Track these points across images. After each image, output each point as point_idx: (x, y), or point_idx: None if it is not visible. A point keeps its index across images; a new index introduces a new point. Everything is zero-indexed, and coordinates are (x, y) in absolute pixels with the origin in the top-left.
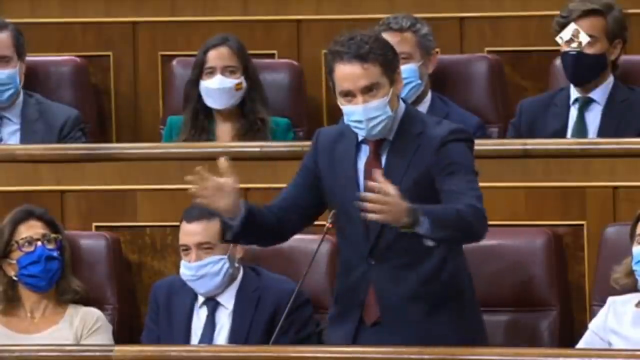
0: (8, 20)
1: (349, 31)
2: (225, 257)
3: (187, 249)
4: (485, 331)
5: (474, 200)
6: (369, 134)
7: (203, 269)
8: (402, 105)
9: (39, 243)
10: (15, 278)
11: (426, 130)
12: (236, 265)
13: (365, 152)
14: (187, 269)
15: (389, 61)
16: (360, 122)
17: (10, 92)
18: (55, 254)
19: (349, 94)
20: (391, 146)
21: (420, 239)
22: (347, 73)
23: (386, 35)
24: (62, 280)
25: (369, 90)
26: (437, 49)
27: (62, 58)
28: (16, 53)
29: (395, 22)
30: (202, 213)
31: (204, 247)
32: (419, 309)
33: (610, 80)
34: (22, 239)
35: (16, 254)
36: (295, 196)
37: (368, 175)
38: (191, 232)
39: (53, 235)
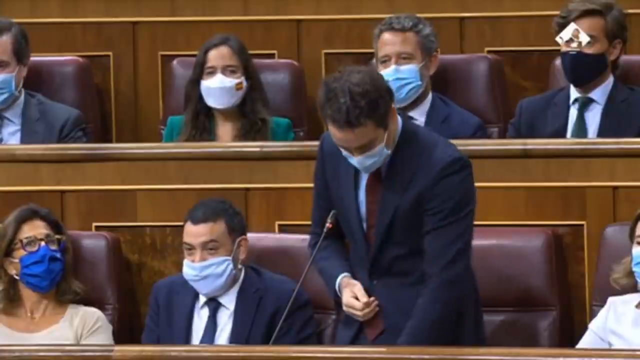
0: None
1: (344, 69)
2: (230, 258)
3: (191, 248)
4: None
5: (444, 267)
6: (366, 171)
7: (207, 269)
8: (400, 123)
9: (43, 243)
10: (16, 277)
11: (423, 155)
12: (239, 266)
13: None
14: (190, 269)
15: (381, 113)
16: (356, 165)
17: (4, 96)
18: (58, 254)
19: (345, 149)
20: (390, 161)
21: (421, 259)
22: (340, 137)
23: (388, 35)
24: (63, 281)
25: (363, 147)
26: (438, 50)
27: (65, 58)
28: (15, 57)
29: (398, 22)
30: (208, 214)
31: (209, 248)
32: None
33: (610, 80)
34: (25, 238)
35: (19, 253)
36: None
37: (370, 194)
38: (197, 233)
39: (57, 236)
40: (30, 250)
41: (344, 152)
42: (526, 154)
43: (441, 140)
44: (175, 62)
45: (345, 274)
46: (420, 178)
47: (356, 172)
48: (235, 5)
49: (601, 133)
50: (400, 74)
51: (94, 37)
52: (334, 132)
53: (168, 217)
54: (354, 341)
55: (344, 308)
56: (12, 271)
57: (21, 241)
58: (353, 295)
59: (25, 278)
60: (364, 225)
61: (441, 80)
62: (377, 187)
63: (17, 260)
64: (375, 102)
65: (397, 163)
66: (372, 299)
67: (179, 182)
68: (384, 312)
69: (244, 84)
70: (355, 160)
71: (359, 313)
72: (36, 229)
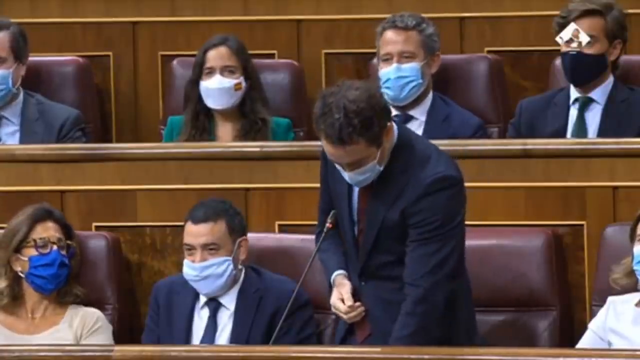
0: (13, 20)
1: (341, 83)
2: (230, 258)
3: (191, 248)
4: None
5: (421, 277)
6: (358, 186)
7: (207, 270)
8: (395, 133)
9: (55, 247)
10: (21, 274)
11: (414, 170)
12: (239, 267)
13: None
14: (191, 269)
15: (374, 132)
16: (348, 179)
17: (1, 92)
18: (66, 260)
19: (337, 164)
20: (382, 172)
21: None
22: (332, 152)
23: (391, 33)
24: (66, 285)
25: (354, 164)
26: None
27: (65, 58)
28: (13, 55)
29: (401, 20)
30: (209, 214)
31: (210, 248)
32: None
33: (610, 80)
34: (40, 239)
35: (29, 252)
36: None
37: (361, 200)
38: (198, 233)
39: (68, 242)
40: (42, 252)
41: (337, 166)
42: (526, 154)
43: (434, 155)
44: (175, 62)
45: (340, 271)
46: (407, 193)
47: None
48: (235, 5)
49: (601, 133)
50: (401, 72)
51: (94, 37)
52: (326, 147)
53: (168, 217)
54: (343, 341)
55: (332, 309)
56: (18, 268)
57: (35, 241)
58: (340, 297)
59: (31, 278)
60: (355, 228)
61: (441, 80)
62: (368, 195)
63: (25, 259)
64: (369, 121)
65: (388, 174)
66: (357, 303)
67: (179, 182)
68: (370, 316)
69: (243, 84)
70: (346, 175)
71: (343, 316)
72: (49, 231)
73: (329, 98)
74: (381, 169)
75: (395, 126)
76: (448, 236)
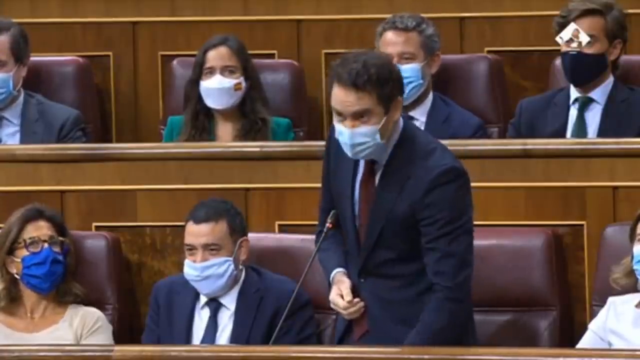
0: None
1: (359, 54)
2: (231, 259)
3: (192, 248)
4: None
5: (448, 278)
6: (354, 156)
7: (208, 270)
8: (401, 126)
9: (46, 245)
10: (17, 276)
11: (418, 162)
12: (240, 267)
13: (362, 165)
14: (191, 269)
15: (386, 92)
16: (346, 144)
17: (2, 95)
18: (60, 257)
19: (340, 114)
20: (386, 164)
21: (410, 264)
22: (341, 97)
23: (391, 34)
24: (64, 283)
25: (359, 116)
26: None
27: (65, 58)
28: (13, 57)
29: (401, 21)
30: (210, 214)
31: (211, 249)
32: (406, 330)
33: (610, 80)
34: (29, 238)
35: (21, 252)
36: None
37: (363, 193)
38: (199, 233)
39: (60, 239)
40: (33, 251)
41: (337, 128)
42: (526, 154)
43: (439, 148)
44: (175, 62)
45: (340, 269)
46: (413, 186)
47: (355, 169)
48: (235, 5)
49: (601, 133)
50: (402, 73)
51: (94, 37)
52: (336, 92)
53: (168, 217)
54: (342, 338)
55: (331, 305)
56: (13, 270)
57: (25, 241)
58: (339, 293)
59: (26, 278)
60: (357, 223)
61: (441, 80)
62: (370, 187)
63: (19, 260)
64: (384, 80)
65: (392, 167)
66: (356, 299)
67: (179, 182)
68: (369, 313)
69: (243, 84)
70: (346, 135)
71: (342, 312)
72: (40, 230)
73: (350, 55)
74: (381, 142)
75: (401, 119)
76: (463, 229)
